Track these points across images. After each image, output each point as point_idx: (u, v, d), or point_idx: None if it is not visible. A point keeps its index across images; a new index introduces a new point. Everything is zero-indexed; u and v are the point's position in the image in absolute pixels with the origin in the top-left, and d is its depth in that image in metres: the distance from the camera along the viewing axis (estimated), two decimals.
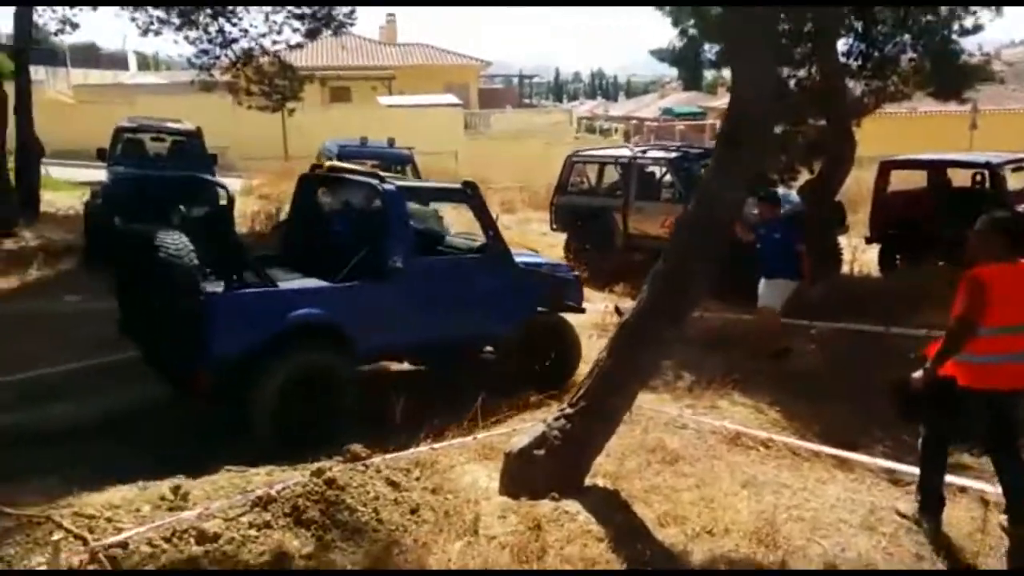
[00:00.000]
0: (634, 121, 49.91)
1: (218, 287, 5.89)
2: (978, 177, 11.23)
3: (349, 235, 7.28)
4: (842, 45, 10.66)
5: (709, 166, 4.18)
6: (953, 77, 10.09)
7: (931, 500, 4.60)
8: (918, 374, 4.35)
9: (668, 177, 11.46)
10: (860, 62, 11.03)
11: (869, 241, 11.70)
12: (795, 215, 9.88)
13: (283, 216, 11.40)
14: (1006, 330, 4.18)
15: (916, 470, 5.29)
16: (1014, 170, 10.85)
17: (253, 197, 18.61)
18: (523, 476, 4.37)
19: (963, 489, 4.97)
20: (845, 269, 11.45)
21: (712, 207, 4.18)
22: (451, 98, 31.10)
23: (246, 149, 24.57)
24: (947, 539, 4.47)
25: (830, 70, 9.72)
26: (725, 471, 5.20)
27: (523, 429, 4.84)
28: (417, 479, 4.72)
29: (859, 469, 5.44)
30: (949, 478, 4.91)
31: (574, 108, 57.10)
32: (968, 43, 10.95)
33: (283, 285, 6.28)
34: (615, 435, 5.73)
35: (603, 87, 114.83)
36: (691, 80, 56.09)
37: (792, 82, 10.76)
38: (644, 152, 11.95)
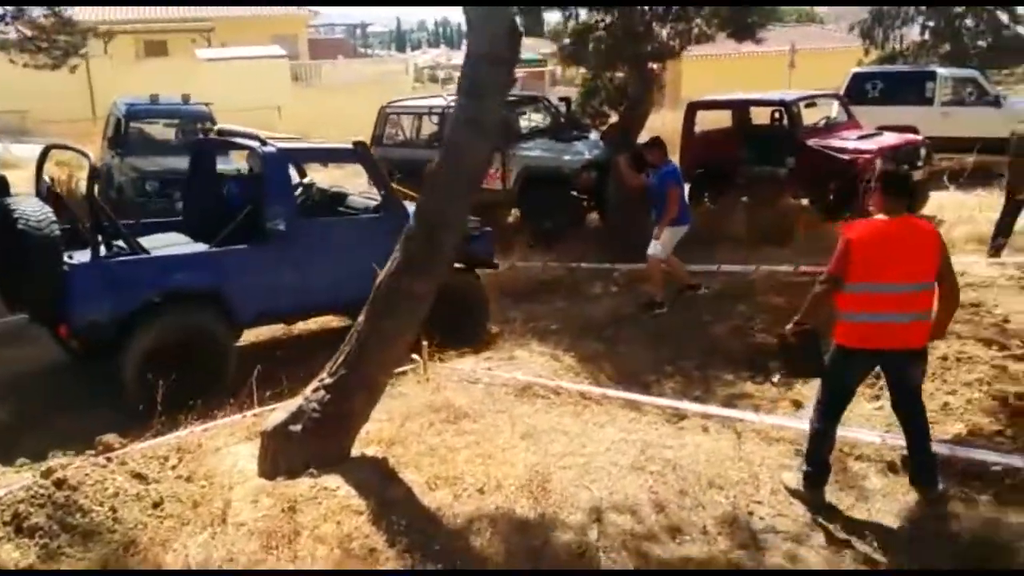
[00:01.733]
0: None
1: (85, 256, 5.86)
2: (776, 115, 11.68)
3: (238, 199, 7.16)
4: None
5: (452, 117, 4.01)
6: (743, 20, 10.35)
7: (818, 455, 4.37)
8: (788, 327, 4.37)
9: None
10: (664, 6, 11.14)
11: None
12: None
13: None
14: (872, 287, 4.08)
15: (696, 406, 5.55)
16: (807, 106, 11.36)
17: (51, 163, 17.07)
18: (281, 455, 4.15)
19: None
20: None
21: (458, 160, 4.02)
22: (276, 49, 29.60)
23: (49, 112, 22.54)
24: (711, 472, 4.61)
25: (630, 14, 9.74)
26: (507, 424, 5.16)
27: (284, 404, 4.59)
28: (173, 467, 4.41)
29: (643, 409, 5.56)
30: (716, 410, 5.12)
31: (411, 58, 55.85)
32: None
33: (156, 252, 6.24)
34: (403, 396, 5.67)
35: (447, 36, 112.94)
36: (532, 27, 55.95)
37: (602, 26, 10.74)
38: None
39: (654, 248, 7.84)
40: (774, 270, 8.16)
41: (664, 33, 11.45)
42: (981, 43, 17.90)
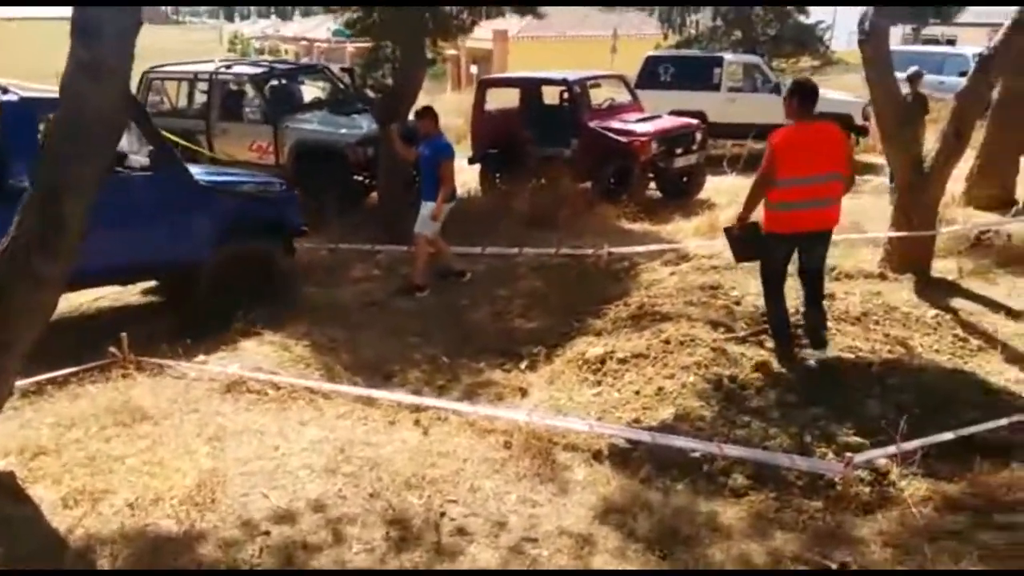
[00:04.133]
0: (303, 42, 47.44)
1: None
2: (565, 94, 11.57)
3: None
4: None
5: (67, 63, 3.39)
6: None
7: (780, 327, 5.24)
8: (735, 223, 5.29)
9: (254, 97, 10.47)
10: None
11: (471, 161, 11.69)
12: None
13: None
14: (796, 181, 4.86)
15: (428, 400, 5.17)
16: (592, 86, 11.34)
17: None
18: None
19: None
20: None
21: (77, 112, 3.40)
22: (64, 11, 26.92)
23: None
24: (411, 471, 4.26)
25: None
26: (195, 427, 4.62)
27: None
28: None
29: (361, 403, 5.14)
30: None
31: (239, 28, 52.95)
32: None
33: None
34: (85, 396, 4.99)
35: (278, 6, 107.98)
36: None
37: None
38: (228, 68, 10.82)
39: (422, 225, 7.43)
40: (539, 252, 7.98)
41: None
42: (769, 31, 18.77)
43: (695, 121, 11.25)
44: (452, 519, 3.96)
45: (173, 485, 3.96)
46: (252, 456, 4.33)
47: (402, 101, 8.79)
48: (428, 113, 7.55)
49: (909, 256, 6.80)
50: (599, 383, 5.20)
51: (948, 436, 4.20)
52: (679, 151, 10.38)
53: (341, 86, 11.14)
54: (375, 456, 4.41)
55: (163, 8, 43.90)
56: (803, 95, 4.97)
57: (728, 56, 14.69)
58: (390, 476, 4.22)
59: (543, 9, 12.67)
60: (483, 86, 11.79)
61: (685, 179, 10.95)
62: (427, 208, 7.36)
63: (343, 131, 9.90)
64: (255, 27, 61.53)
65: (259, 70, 10.74)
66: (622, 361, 5.36)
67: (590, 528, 3.88)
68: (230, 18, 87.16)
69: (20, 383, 4.90)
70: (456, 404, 4.96)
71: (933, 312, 6.07)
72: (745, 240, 5.26)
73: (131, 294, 7.59)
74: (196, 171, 6.94)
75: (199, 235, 6.54)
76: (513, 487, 4.21)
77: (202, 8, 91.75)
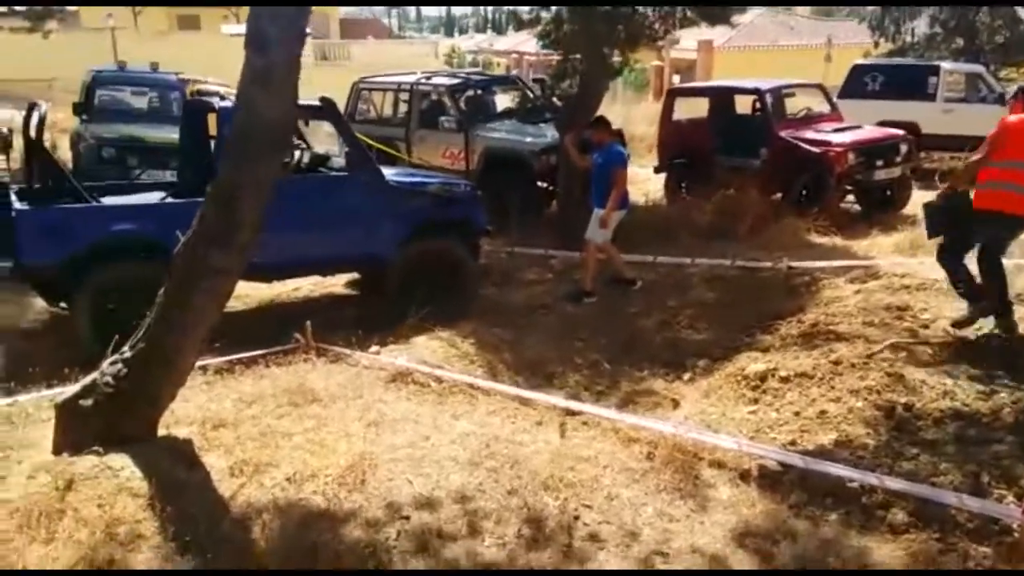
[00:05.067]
0: (514, 55, 49.03)
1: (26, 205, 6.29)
2: (757, 104, 11.15)
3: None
4: None
5: (241, 73, 3.73)
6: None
7: (969, 290, 5.47)
8: (939, 192, 5.70)
9: (450, 106, 10.97)
10: None
11: (657, 170, 11.57)
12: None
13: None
14: (1016, 164, 5.12)
15: (574, 404, 5.20)
16: (787, 95, 10.84)
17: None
18: (71, 429, 3.95)
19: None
20: (637, 199, 11.32)
21: (250, 118, 3.74)
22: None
23: (74, 82, 22.96)
24: (550, 472, 4.30)
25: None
26: (358, 411, 4.91)
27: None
28: None
29: (516, 401, 5.25)
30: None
31: (458, 42, 55.70)
32: None
33: (106, 202, 6.73)
34: (268, 377, 5.46)
35: (496, 22, 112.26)
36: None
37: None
38: (428, 79, 11.41)
39: (592, 232, 7.48)
40: (713, 264, 7.74)
41: (645, 16, 11.00)
42: (998, 38, 16.93)
43: (900, 132, 10.42)
44: (585, 524, 3.95)
45: (329, 464, 4.24)
46: (404, 443, 4.54)
47: (582, 111, 8.86)
48: (601, 122, 7.59)
49: None
50: (756, 400, 4.98)
51: None
52: (880, 163, 9.65)
53: (532, 96, 11.40)
54: (517, 454, 4.48)
55: (386, 23, 46.94)
56: None
57: (946, 65, 13.48)
58: (529, 475, 4.27)
59: (747, 19, 12.25)
60: (672, 95, 11.61)
61: (888, 192, 10.18)
62: (597, 215, 7.37)
63: (529, 139, 10.13)
64: (471, 41, 64.57)
65: (455, 81, 11.23)
66: (784, 380, 5.10)
67: (725, 549, 3.74)
68: (449, 33, 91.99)
69: (214, 361, 5.50)
70: (601, 410, 4.94)
71: None
72: (952, 210, 5.46)
73: (331, 285, 8.18)
74: (389, 172, 7.39)
75: (388, 232, 6.94)
76: (651, 499, 4.14)
77: (424, 23, 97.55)
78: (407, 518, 3.92)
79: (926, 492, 3.82)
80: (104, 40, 25.64)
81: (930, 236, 5.83)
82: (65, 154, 11.11)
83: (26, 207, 6.27)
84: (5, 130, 6.86)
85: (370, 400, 5.08)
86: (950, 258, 5.51)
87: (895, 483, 3.90)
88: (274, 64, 3.65)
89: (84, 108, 11.25)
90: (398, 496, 4.08)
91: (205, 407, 4.81)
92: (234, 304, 7.36)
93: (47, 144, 7.43)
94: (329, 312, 7.24)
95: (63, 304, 6.56)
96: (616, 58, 10.07)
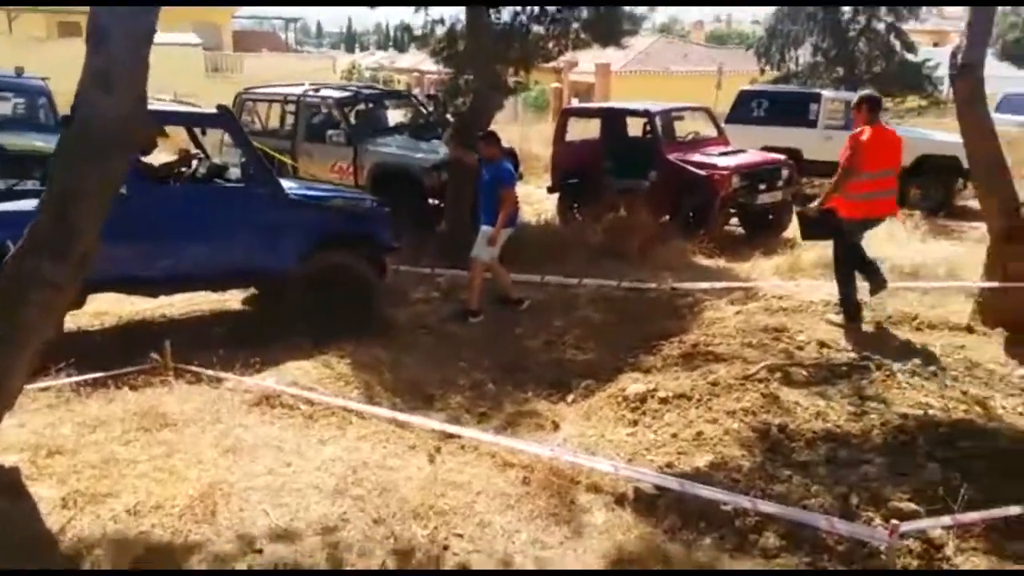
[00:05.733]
0: (415, 73, 48.87)
1: None
2: (647, 126, 11.28)
3: None
4: None
5: (82, 71, 3.40)
6: (611, 28, 9.99)
7: (850, 307, 6.20)
8: (813, 205, 6.40)
9: (338, 120, 10.65)
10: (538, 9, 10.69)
11: (550, 190, 11.55)
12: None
13: None
14: (873, 174, 5.90)
15: (450, 427, 4.97)
16: (675, 118, 11.03)
17: None
18: None
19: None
20: (529, 219, 11.26)
21: (87, 119, 3.40)
22: (192, 37, 28.59)
23: None
24: (421, 500, 4.06)
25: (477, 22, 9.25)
26: (215, 436, 4.57)
27: None
28: None
29: (392, 425, 4.99)
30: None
31: (341, 57, 55.01)
32: None
33: None
34: (118, 400, 5.02)
35: (398, 40, 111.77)
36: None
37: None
38: (316, 91, 11.07)
39: (479, 250, 7.31)
40: (600, 284, 7.71)
41: (539, 36, 10.99)
42: (875, 68, 17.90)
43: (782, 157, 10.76)
44: (455, 553, 3.75)
45: (176, 494, 3.89)
46: (263, 471, 4.23)
47: (473, 127, 8.73)
48: (491, 136, 7.44)
49: (1001, 309, 6.19)
50: (635, 422, 4.90)
51: (1016, 510, 3.70)
52: (763, 187, 9.92)
53: (424, 112, 11.21)
54: (387, 481, 4.24)
55: (283, 38, 45.84)
56: (871, 103, 6.09)
57: (827, 93, 14.06)
58: (398, 503, 4.04)
59: (644, 44, 12.45)
60: (565, 115, 11.65)
61: (770, 216, 10.46)
62: (485, 232, 7.22)
63: (420, 155, 9.92)
64: (372, 59, 63.91)
65: (345, 94, 10.94)
66: (664, 401, 5.04)
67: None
68: (350, 50, 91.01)
69: (58, 382, 5.03)
70: (478, 433, 4.75)
71: (1022, 372, 5.47)
72: (823, 223, 6.23)
73: (199, 302, 7.70)
74: (288, 185, 7.04)
75: (287, 246, 6.58)
76: (525, 526, 3.97)
77: (325, 40, 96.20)
78: (260, 551, 3.63)
79: (797, 515, 3.79)
80: None
81: (804, 239, 6.97)
82: None
83: None
84: None
85: (229, 425, 4.74)
86: (845, 274, 6.21)
87: (767, 506, 3.85)
88: (115, 63, 3.32)
89: None
90: (252, 528, 3.78)
91: (41, 432, 4.37)
92: (91, 322, 6.88)
93: None
94: (197, 330, 6.81)
95: None
96: (513, 78, 10.04)
